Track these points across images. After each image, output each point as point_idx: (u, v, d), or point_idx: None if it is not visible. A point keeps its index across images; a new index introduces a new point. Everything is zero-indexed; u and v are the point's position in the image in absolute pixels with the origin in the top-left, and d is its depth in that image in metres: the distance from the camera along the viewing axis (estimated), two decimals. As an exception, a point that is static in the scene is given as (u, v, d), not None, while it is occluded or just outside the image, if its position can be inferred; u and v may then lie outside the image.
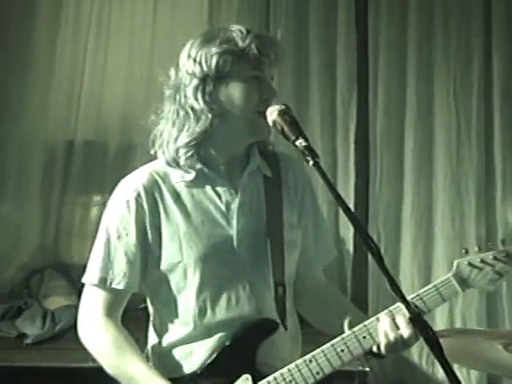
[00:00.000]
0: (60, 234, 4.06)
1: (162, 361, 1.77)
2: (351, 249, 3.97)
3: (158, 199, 1.70)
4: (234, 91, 1.68)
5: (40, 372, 3.08)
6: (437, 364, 3.78)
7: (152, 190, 1.70)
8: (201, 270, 1.68)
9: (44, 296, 3.76)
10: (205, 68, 1.66)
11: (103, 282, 1.70)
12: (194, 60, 1.67)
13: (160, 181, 1.72)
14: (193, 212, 1.70)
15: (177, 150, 1.70)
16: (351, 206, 3.84)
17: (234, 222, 1.71)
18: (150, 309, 1.83)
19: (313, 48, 3.97)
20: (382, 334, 1.67)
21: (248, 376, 1.67)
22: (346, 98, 3.96)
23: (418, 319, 1.53)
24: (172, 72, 1.73)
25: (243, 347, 1.70)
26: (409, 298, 1.67)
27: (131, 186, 1.71)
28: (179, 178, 1.72)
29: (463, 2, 3.87)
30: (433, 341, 1.50)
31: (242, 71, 1.68)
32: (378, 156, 3.95)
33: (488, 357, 2.38)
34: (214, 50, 1.65)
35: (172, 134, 1.70)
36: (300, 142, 1.59)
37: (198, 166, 1.71)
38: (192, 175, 1.71)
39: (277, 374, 1.67)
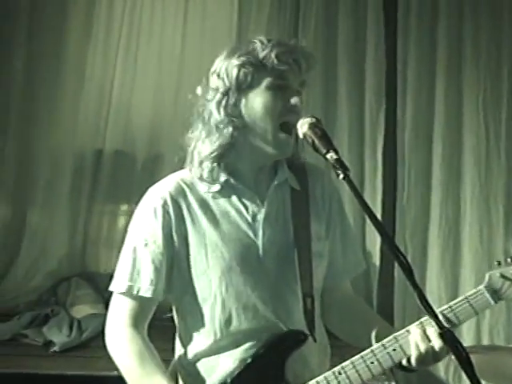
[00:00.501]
0: (87, 242, 4.10)
1: (190, 372, 1.76)
2: (377, 262, 3.94)
3: (185, 208, 1.70)
4: (255, 102, 1.68)
5: (66, 380, 3.08)
6: (463, 380, 3.76)
7: (179, 198, 1.71)
8: (226, 280, 1.68)
9: (71, 304, 3.80)
10: (226, 82, 1.67)
11: (130, 290, 1.70)
12: (218, 75, 1.68)
13: (187, 190, 1.72)
14: (219, 221, 1.71)
15: (200, 163, 1.71)
16: (378, 216, 3.82)
17: (260, 233, 1.71)
18: (176, 318, 1.82)
19: (341, 59, 3.98)
20: (413, 345, 1.66)
21: None
22: (374, 111, 3.95)
23: (448, 334, 1.51)
24: (199, 90, 1.75)
25: (272, 358, 1.68)
26: (440, 309, 1.67)
27: (158, 194, 1.72)
28: (206, 189, 1.72)
29: (493, 15, 3.85)
30: (463, 357, 1.47)
31: (263, 81, 1.68)
32: (405, 169, 3.93)
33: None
34: (234, 62, 1.67)
35: (198, 149, 1.71)
36: (331, 156, 1.59)
37: (223, 177, 1.72)
38: (217, 186, 1.72)
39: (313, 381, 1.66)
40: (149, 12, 4.11)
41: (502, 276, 1.68)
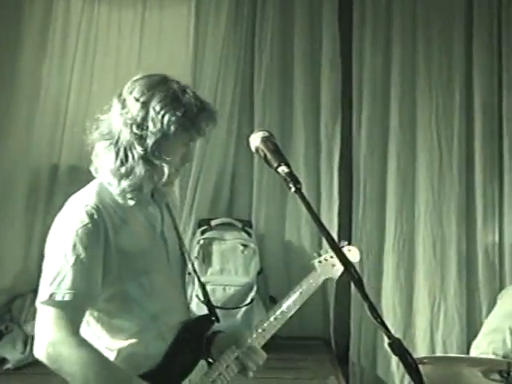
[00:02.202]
0: (43, 258, 4.03)
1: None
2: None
3: (112, 218, 1.80)
4: (171, 153, 1.84)
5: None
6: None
7: (105, 209, 1.79)
8: (153, 284, 1.85)
9: (25, 320, 3.73)
10: (166, 128, 1.79)
11: (78, 298, 1.70)
12: (158, 113, 1.79)
13: (109, 201, 1.82)
14: (140, 231, 1.87)
15: (120, 183, 1.83)
16: (334, 234, 3.89)
17: (165, 241, 1.94)
18: (89, 322, 1.85)
19: (297, 76, 4.04)
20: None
21: (203, 362, 1.94)
22: (330, 127, 4.03)
23: (397, 345, 1.53)
24: (130, 101, 1.82)
25: (192, 339, 1.94)
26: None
27: (87, 205, 1.77)
28: (121, 201, 1.84)
29: (445, 31, 3.96)
30: (412, 367, 1.51)
31: (181, 140, 1.85)
32: (361, 185, 4.00)
33: (467, 384, 2.39)
34: (176, 116, 1.80)
35: (119, 172, 1.82)
36: (282, 169, 1.63)
37: (138, 195, 1.86)
38: (133, 202, 1.85)
39: (224, 356, 1.94)
40: (105, 24, 4.11)
41: (319, 262, 2.36)
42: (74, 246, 1.72)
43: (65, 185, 3.95)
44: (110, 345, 1.84)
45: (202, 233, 3.89)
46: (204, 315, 2.03)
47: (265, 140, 1.72)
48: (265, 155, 1.69)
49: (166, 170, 1.83)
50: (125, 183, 1.80)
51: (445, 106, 3.93)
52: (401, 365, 3.79)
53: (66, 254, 1.72)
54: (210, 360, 1.95)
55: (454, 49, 3.96)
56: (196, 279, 2.23)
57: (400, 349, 1.54)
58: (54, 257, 1.74)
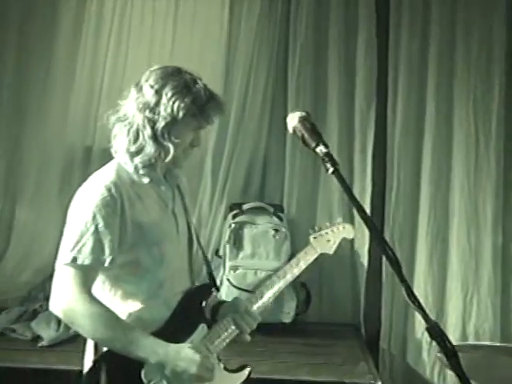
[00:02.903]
0: (76, 238, 4.09)
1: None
2: (365, 263, 3.97)
3: (129, 193, 2.00)
4: (180, 136, 2.02)
5: (54, 374, 3.10)
6: (448, 380, 3.77)
7: (122, 185, 2.00)
8: (163, 254, 2.04)
9: (59, 300, 3.79)
10: (175, 113, 1.98)
11: (97, 262, 1.93)
12: (169, 99, 1.98)
13: (127, 178, 2.04)
14: (153, 207, 2.07)
15: (133, 161, 2.04)
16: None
17: (176, 218, 2.14)
18: (104, 286, 2.05)
19: (332, 59, 4.01)
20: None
21: (203, 325, 2.11)
22: (365, 111, 3.98)
23: (436, 329, 1.52)
24: (146, 88, 2.02)
25: (194, 306, 2.12)
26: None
27: (104, 180, 2.00)
28: (137, 178, 2.05)
29: (485, 14, 3.86)
30: (450, 350, 1.49)
31: (191, 125, 2.03)
32: (395, 169, 3.95)
33: (501, 373, 2.37)
34: (185, 103, 1.98)
35: (130, 150, 2.03)
36: (320, 149, 1.62)
37: (151, 174, 2.07)
38: (147, 179, 2.06)
39: (224, 320, 2.13)
40: (139, 9, 4.12)
41: (314, 238, 2.46)
42: (94, 216, 1.94)
43: (98, 166, 3.96)
44: (119, 309, 2.02)
45: (234, 217, 3.89)
46: (205, 284, 2.21)
47: (302, 120, 1.71)
48: (302, 135, 1.68)
49: (172, 151, 2.01)
50: (137, 160, 2.02)
51: (483, 89, 3.85)
52: (431, 353, 3.79)
53: (86, 224, 1.94)
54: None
55: (494, 33, 3.86)
56: (204, 259, 2.35)
57: (438, 333, 1.52)
58: (75, 225, 1.96)
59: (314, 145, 1.63)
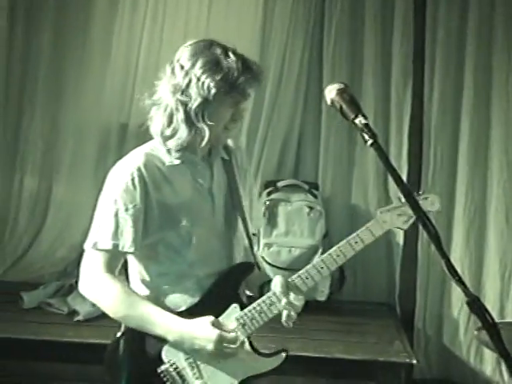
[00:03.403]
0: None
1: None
2: (401, 241, 3.93)
3: (157, 176, 2.00)
4: (216, 116, 1.97)
5: (89, 348, 3.13)
6: (485, 360, 3.74)
7: (151, 168, 1.99)
8: (195, 234, 2.02)
9: (95, 275, 3.84)
10: (206, 92, 1.92)
11: (115, 247, 1.96)
12: (198, 79, 1.92)
13: (156, 161, 2.02)
14: (184, 188, 2.04)
15: (168, 150, 2.02)
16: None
17: (213, 197, 2.08)
18: (137, 268, 2.08)
19: (368, 39, 3.95)
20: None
21: (236, 305, 2.04)
22: (401, 90, 3.92)
23: (476, 303, 1.49)
24: (177, 68, 1.97)
25: (228, 285, 2.07)
26: (343, 242, 2.08)
27: (134, 165, 2.00)
28: (169, 162, 2.03)
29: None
30: (491, 325, 1.46)
31: (226, 102, 1.96)
32: (431, 149, 3.89)
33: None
34: (215, 81, 1.92)
35: (164, 133, 1.99)
36: (359, 120, 1.59)
37: (184, 155, 2.04)
38: (178, 161, 2.03)
39: (259, 301, 2.03)
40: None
41: (388, 210, 2.11)
42: (115, 201, 1.97)
43: (134, 143, 3.96)
44: (152, 288, 2.06)
45: (268, 194, 3.89)
46: (243, 263, 2.14)
47: (341, 92, 1.68)
48: (340, 107, 1.65)
49: (207, 132, 1.96)
50: (170, 143, 1.99)
51: (523, 66, 3.77)
52: (468, 334, 3.74)
53: (108, 209, 1.98)
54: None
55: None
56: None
57: (478, 306, 1.50)
58: (100, 210, 2.02)
59: (352, 116, 1.60)
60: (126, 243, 1.96)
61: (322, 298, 3.72)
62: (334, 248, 2.07)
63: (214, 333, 1.92)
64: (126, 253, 1.99)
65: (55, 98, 4.05)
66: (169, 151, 2.01)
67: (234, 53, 1.97)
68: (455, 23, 3.85)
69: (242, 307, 2.04)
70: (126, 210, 1.95)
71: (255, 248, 2.23)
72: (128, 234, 1.95)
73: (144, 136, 3.93)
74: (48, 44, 4.04)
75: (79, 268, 3.88)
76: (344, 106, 1.64)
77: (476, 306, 1.50)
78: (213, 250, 2.08)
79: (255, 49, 4.00)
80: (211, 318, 1.95)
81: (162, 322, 1.95)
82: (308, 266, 2.05)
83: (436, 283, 3.83)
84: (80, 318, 3.40)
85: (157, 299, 2.04)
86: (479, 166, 3.84)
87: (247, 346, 2.04)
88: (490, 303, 3.73)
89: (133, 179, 1.96)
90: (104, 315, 3.33)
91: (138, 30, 4.10)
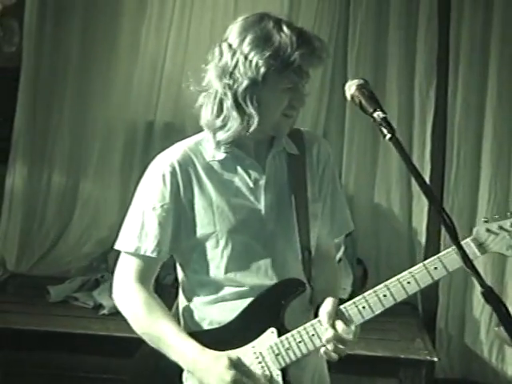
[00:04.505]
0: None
1: (192, 320, 1.86)
2: (423, 240, 3.93)
3: (192, 174, 1.79)
4: (268, 99, 1.74)
5: (114, 341, 3.21)
6: (506, 360, 3.74)
7: (186, 165, 1.79)
8: (232, 241, 1.78)
9: (120, 271, 3.90)
10: (254, 73, 1.70)
11: (138, 251, 1.78)
12: (246, 58, 1.70)
13: (194, 157, 1.80)
14: (224, 187, 1.80)
15: (218, 142, 1.78)
16: (425, 198, 3.83)
17: (262, 198, 1.81)
18: (180, 275, 1.91)
19: (392, 37, 3.96)
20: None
21: (274, 329, 1.74)
22: (425, 89, 3.93)
23: (490, 294, 1.51)
24: (224, 48, 1.75)
25: (270, 304, 1.78)
26: (428, 260, 1.76)
27: (167, 161, 1.80)
28: (211, 157, 1.81)
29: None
30: (505, 315, 1.48)
31: (280, 83, 1.73)
32: (454, 148, 3.90)
33: None
34: (264, 59, 1.69)
35: (215, 125, 1.76)
36: (378, 115, 1.60)
37: (231, 149, 1.80)
38: (222, 155, 1.80)
39: (300, 328, 1.74)
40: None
41: (488, 230, 1.75)
42: (143, 198, 1.81)
43: (160, 141, 4.07)
44: (190, 299, 1.87)
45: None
46: (292, 279, 1.81)
47: (360, 87, 1.70)
48: (360, 102, 1.67)
49: (257, 118, 1.71)
50: (220, 136, 1.75)
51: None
52: (489, 334, 3.74)
53: (136, 206, 1.82)
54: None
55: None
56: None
57: (493, 297, 1.52)
58: (130, 210, 1.84)
59: (371, 110, 1.62)
60: (149, 247, 1.76)
61: (344, 295, 3.72)
62: (405, 273, 1.77)
63: (230, 375, 1.65)
64: (149, 258, 1.77)
65: (83, 95, 4.12)
66: (218, 145, 1.78)
67: (290, 26, 1.73)
68: (480, 22, 3.85)
69: (282, 333, 1.74)
70: (154, 209, 1.77)
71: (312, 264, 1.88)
72: (152, 236, 1.76)
73: (170, 134, 4.06)
74: (77, 42, 4.10)
75: (105, 263, 3.99)
76: (363, 101, 1.66)
77: (491, 297, 1.53)
78: (257, 260, 1.79)
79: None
80: (233, 354, 1.69)
81: (177, 347, 1.71)
82: (367, 292, 1.73)
83: (458, 283, 3.83)
84: (105, 311, 3.46)
85: (193, 312, 1.85)
86: (502, 166, 3.84)
87: (279, 379, 1.73)
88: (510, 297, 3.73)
89: (164, 176, 1.77)
90: None
91: (165, 28, 4.14)
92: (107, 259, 4.01)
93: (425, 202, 3.85)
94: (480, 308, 3.79)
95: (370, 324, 3.65)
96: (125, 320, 3.35)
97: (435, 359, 3.18)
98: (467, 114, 3.88)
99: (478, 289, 3.68)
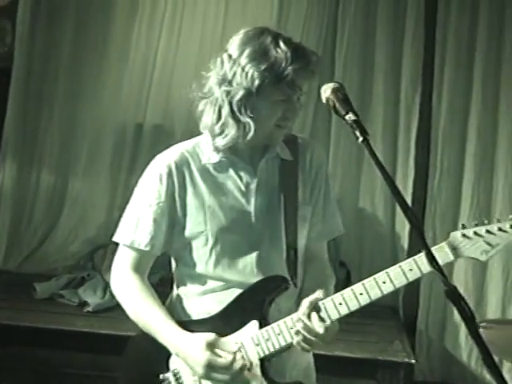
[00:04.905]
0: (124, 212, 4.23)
1: (182, 308, 1.98)
2: (406, 245, 3.99)
3: (187, 175, 1.90)
4: (262, 109, 1.84)
5: (98, 337, 3.25)
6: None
7: (182, 167, 1.90)
8: (221, 240, 1.89)
9: (106, 270, 3.92)
10: (249, 83, 1.80)
11: (133, 244, 1.91)
12: (243, 69, 1.81)
13: (190, 159, 1.92)
14: (217, 189, 1.91)
15: (216, 148, 1.90)
16: (409, 202, 3.88)
17: (252, 200, 1.92)
18: (173, 266, 2.04)
19: (379, 43, 4.03)
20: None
21: (256, 322, 1.85)
22: (410, 95, 3.99)
23: (454, 293, 1.56)
24: (225, 58, 1.85)
25: (254, 298, 1.88)
26: (403, 263, 1.81)
27: (164, 162, 1.91)
28: (207, 160, 1.92)
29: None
30: (468, 316, 1.53)
31: (274, 96, 1.83)
32: (438, 153, 3.96)
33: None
34: (259, 71, 1.80)
35: (214, 131, 1.86)
36: (349, 117, 1.67)
37: (225, 153, 1.91)
38: (217, 158, 1.91)
39: (281, 321, 1.83)
40: (193, -8, 4.21)
41: (463, 235, 1.79)
42: (140, 195, 1.93)
43: (149, 143, 4.15)
44: (181, 289, 1.99)
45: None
46: (276, 276, 1.90)
47: (335, 91, 1.76)
48: (334, 105, 1.73)
49: (253, 127, 1.82)
50: (218, 142, 1.86)
51: (530, 77, 3.83)
52: (469, 338, 3.78)
53: (133, 202, 1.95)
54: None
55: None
56: None
57: (457, 296, 1.57)
58: (129, 206, 1.96)
59: (344, 113, 1.68)
60: (143, 241, 1.89)
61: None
62: (382, 272, 1.81)
63: (204, 356, 1.77)
64: (143, 251, 1.90)
65: (73, 96, 4.17)
66: (217, 149, 1.89)
67: (286, 41, 1.83)
68: (466, 25, 3.92)
69: (264, 325, 1.84)
70: (150, 206, 1.88)
71: (298, 262, 1.95)
72: (146, 231, 1.89)
73: (159, 136, 4.11)
74: (68, 44, 4.16)
75: (92, 262, 4.03)
76: (337, 104, 1.72)
77: (454, 295, 1.57)
78: (243, 258, 1.90)
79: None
80: (211, 336, 1.80)
81: (164, 332, 1.84)
82: (344, 290, 1.81)
83: (439, 288, 3.83)
84: (89, 309, 3.51)
85: (183, 303, 1.96)
86: (485, 171, 3.91)
87: (257, 369, 1.82)
88: (493, 307, 3.79)
89: (160, 175, 1.88)
90: (112, 307, 3.52)
91: (156, 31, 4.21)
92: (94, 258, 4.06)
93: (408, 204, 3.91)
94: (460, 312, 3.83)
95: (351, 326, 3.72)
96: (108, 317, 3.44)
97: (413, 361, 3.22)
98: (452, 118, 3.95)
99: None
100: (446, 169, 3.95)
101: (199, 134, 1.94)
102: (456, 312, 3.86)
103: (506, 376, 3.81)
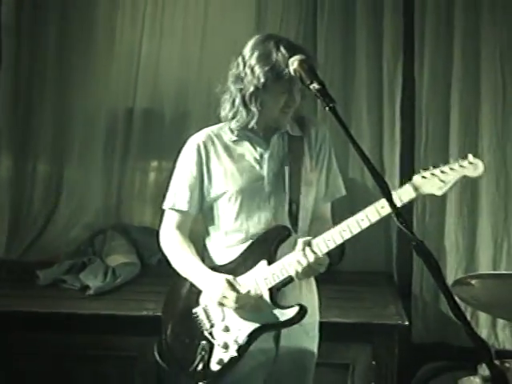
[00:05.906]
0: (121, 196, 4.35)
1: (210, 258, 2.47)
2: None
3: (212, 150, 2.41)
4: (269, 102, 2.30)
5: (99, 318, 3.36)
6: (481, 324, 3.84)
7: (208, 143, 2.42)
8: (240, 198, 2.37)
9: (106, 254, 4.05)
10: (257, 82, 2.25)
11: (174, 206, 2.43)
12: (252, 70, 2.26)
13: (215, 138, 2.43)
14: (236, 159, 2.40)
15: (231, 129, 2.41)
16: (397, 175, 4.02)
17: (265, 167, 2.40)
18: (205, 225, 2.51)
19: (359, 19, 4.07)
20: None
21: (264, 261, 2.31)
22: (392, 69, 4.04)
23: (421, 247, 1.66)
24: (240, 60, 2.31)
25: (263, 244, 2.35)
26: (379, 201, 2.16)
27: (195, 141, 2.43)
28: (228, 138, 2.42)
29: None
30: (434, 267, 1.63)
31: (276, 89, 2.26)
32: (423, 126, 4.03)
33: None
34: (264, 71, 2.23)
35: (228, 116, 2.38)
36: (313, 86, 1.77)
37: (241, 133, 2.41)
38: (234, 138, 2.42)
39: (284, 258, 2.27)
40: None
41: (423, 177, 2.08)
42: (178, 169, 2.45)
43: (140, 126, 4.25)
44: (209, 244, 2.48)
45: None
46: (278, 225, 2.36)
47: (301, 62, 1.89)
48: (300, 75, 1.85)
49: (256, 116, 2.30)
50: (233, 125, 2.38)
51: (509, 39, 3.87)
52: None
53: (177, 176, 2.45)
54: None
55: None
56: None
57: (424, 251, 1.66)
58: (172, 177, 2.46)
59: (308, 82, 1.79)
60: (182, 203, 2.40)
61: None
62: (360, 212, 2.18)
63: (221, 289, 2.25)
64: (183, 211, 2.41)
65: (63, 85, 4.24)
66: (231, 130, 2.39)
67: (286, 46, 2.24)
68: (443, 3, 3.96)
69: (271, 264, 2.29)
70: (185, 176, 2.40)
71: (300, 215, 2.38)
72: (184, 195, 2.40)
73: (149, 119, 4.18)
74: (55, 34, 4.21)
75: (92, 247, 4.12)
76: (302, 74, 1.84)
77: (421, 250, 1.67)
78: (259, 212, 2.37)
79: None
80: (229, 276, 2.27)
81: (195, 273, 2.36)
82: (331, 230, 2.20)
83: (431, 251, 3.95)
84: (91, 292, 3.60)
85: (210, 253, 2.45)
86: (469, 139, 3.96)
87: (267, 297, 2.30)
88: (483, 267, 3.87)
89: (192, 152, 2.40)
90: (113, 290, 3.63)
91: (139, 17, 4.26)
92: (94, 243, 4.16)
93: (396, 176, 4.00)
94: (453, 274, 3.90)
95: (346, 293, 3.80)
96: (109, 299, 3.54)
97: (406, 323, 3.31)
98: (434, 92, 4.00)
99: (450, 256, 3.86)
100: (431, 138, 4.01)
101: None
102: (449, 274, 3.93)
103: (501, 334, 3.92)
